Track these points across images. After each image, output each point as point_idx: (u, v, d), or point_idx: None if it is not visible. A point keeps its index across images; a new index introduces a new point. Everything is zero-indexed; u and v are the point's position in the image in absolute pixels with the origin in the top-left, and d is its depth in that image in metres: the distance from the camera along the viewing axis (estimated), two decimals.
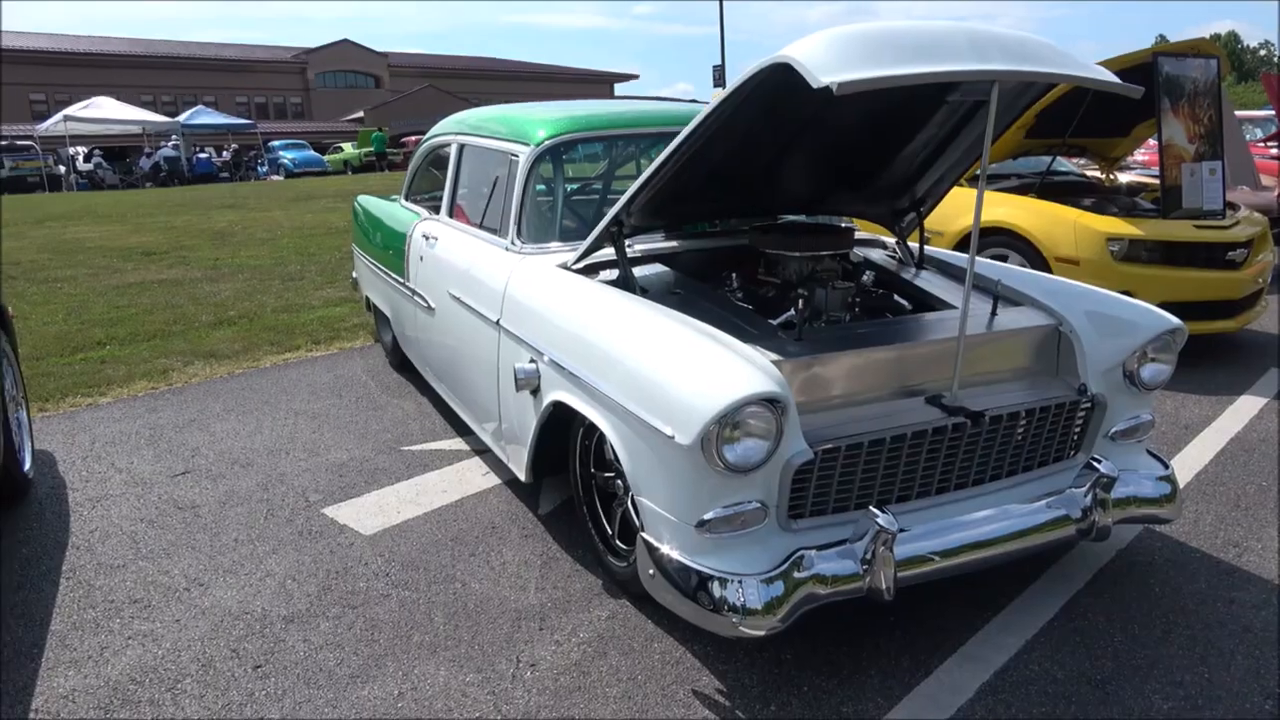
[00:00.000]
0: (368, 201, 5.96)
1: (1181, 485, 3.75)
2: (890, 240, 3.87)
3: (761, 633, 2.40)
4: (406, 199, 5.40)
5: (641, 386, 2.57)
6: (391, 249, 5.04)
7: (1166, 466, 3.09)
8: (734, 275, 3.38)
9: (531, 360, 3.17)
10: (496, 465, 3.91)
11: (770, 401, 2.36)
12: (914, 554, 2.57)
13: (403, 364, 5.34)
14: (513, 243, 3.67)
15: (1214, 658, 2.64)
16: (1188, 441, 4.29)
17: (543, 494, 3.72)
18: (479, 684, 2.55)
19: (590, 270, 3.36)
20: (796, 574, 2.44)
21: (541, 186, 3.91)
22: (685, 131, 2.75)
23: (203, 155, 32.97)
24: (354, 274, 6.23)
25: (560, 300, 3.19)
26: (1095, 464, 2.82)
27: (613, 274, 3.27)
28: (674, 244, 3.61)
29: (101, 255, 10.64)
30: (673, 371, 2.52)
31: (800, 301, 2.80)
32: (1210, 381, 5.16)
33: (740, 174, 3.29)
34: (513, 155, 3.83)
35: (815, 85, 2.26)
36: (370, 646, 2.74)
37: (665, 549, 2.51)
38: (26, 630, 2.86)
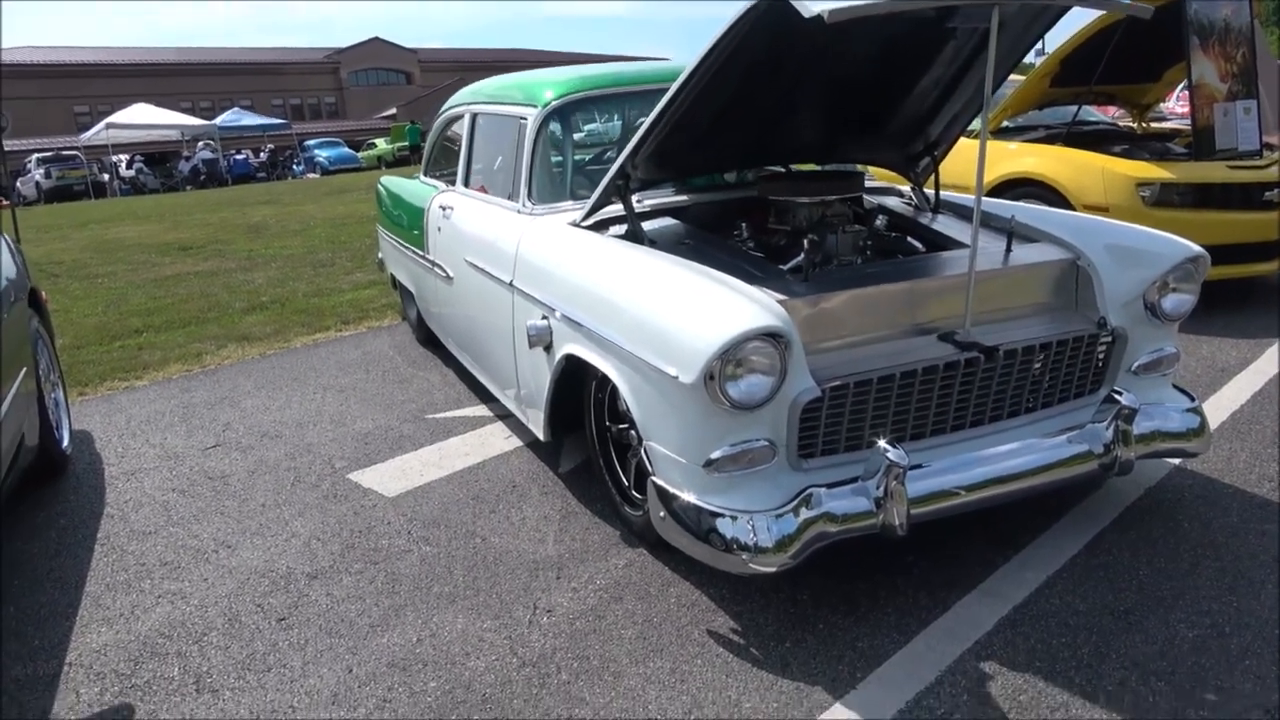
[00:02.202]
0: (389, 181, 6.01)
1: (1216, 425, 3.70)
2: (906, 188, 3.81)
3: (773, 569, 2.39)
4: (425, 174, 5.43)
5: (646, 330, 2.57)
6: (412, 224, 5.08)
7: (1193, 400, 3.01)
8: (744, 225, 3.36)
9: (544, 317, 3.18)
10: (518, 428, 3.93)
11: (773, 337, 2.34)
12: (929, 490, 2.54)
13: (428, 338, 5.39)
14: (524, 205, 3.67)
15: (1243, 587, 2.57)
16: (1224, 383, 4.18)
17: (563, 453, 3.74)
18: (496, 629, 2.58)
19: (600, 226, 3.36)
20: (807, 511, 2.42)
21: (552, 148, 3.91)
22: (682, 77, 2.73)
23: (240, 157, 33.48)
24: (379, 255, 6.29)
25: (569, 255, 3.19)
26: (1116, 396, 2.76)
27: (622, 229, 3.27)
28: (684, 198, 3.59)
29: (140, 251, 10.88)
30: (676, 313, 2.52)
31: (807, 243, 2.77)
32: (1248, 325, 5.01)
33: (746, 123, 3.26)
34: (522, 118, 3.83)
35: (807, 16, 2.23)
36: (391, 598, 2.78)
37: (675, 491, 2.51)
38: (62, 593, 2.95)
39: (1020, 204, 3.53)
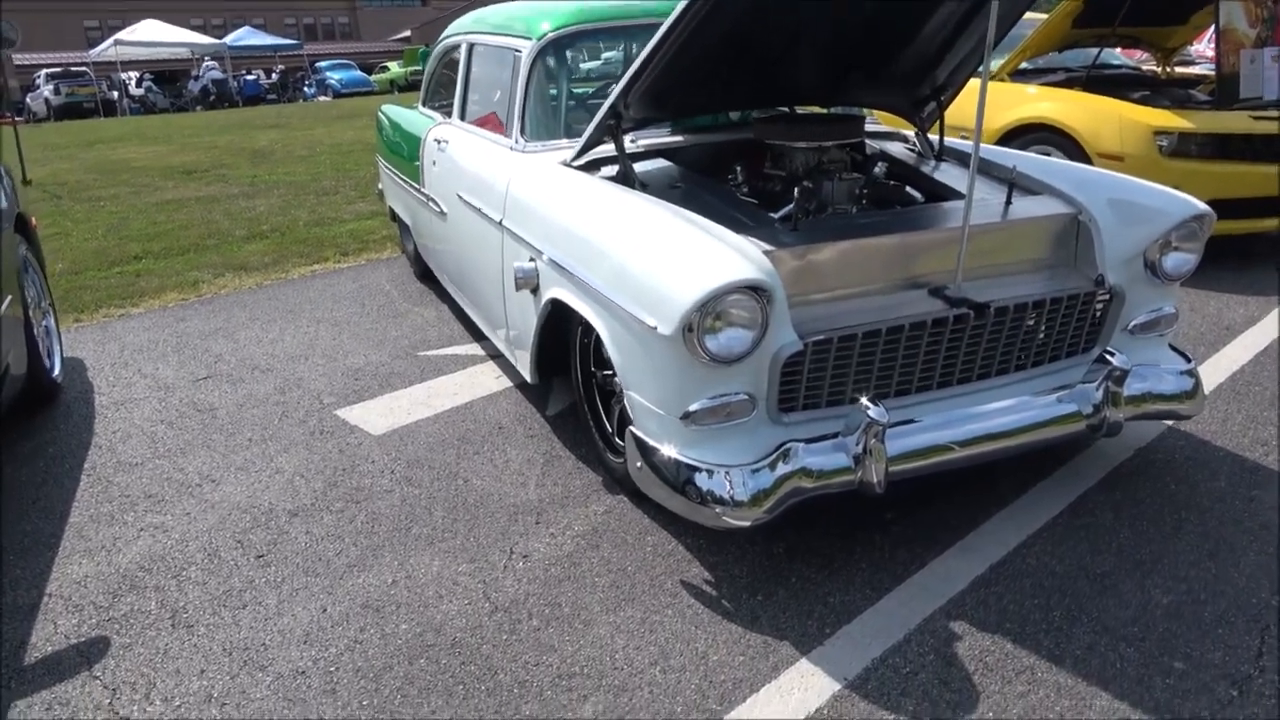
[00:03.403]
0: (389, 110, 5.89)
1: (1215, 385, 3.64)
2: (911, 133, 3.70)
3: (747, 524, 2.38)
4: (424, 105, 5.32)
5: (627, 278, 2.51)
6: (409, 156, 4.98)
7: (1189, 361, 2.95)
8: (739, 169, 3.27)
9: (531, 259, 3.12)
10: (509, 369, 3.91)
11: (754, 290, 2.29)
12: (908, 448, 2.51)
13: (425, 273, 5.34)
14: (516, 142, 3.58)
15: (1224, 553, 2.55)
16: (1227, 342, 4.10)
17: (552, 395, 3.72)
18: (470, 573, 2.59)
19: (592, 167, 3.27)
20: (783, 466, 2.39)
21: (547, 82, 3.80)
22: (678, 10, 2.62)
23: (250, 77, 33.04)
24: (379, 185, 6.21)
25: (557, 197, 3.12)
26: (1108, 357, 2.70)
27: (614, 170, 3.19)
28: (679, 138, 3.50)
29: (144, 174, 10.79)
30: (657, 262, 2.46)
31: (798, 191, 2.69)
32: (1259, 282, 4.91)
33: (746, 61, 3.14)
34: (516, 51, 3.71)
35: None
36: (369, 538, 2.79)
37: (653, 442, 2.49)
38: (46, 522, 2.97)
39: (1025, 154, 3.42)
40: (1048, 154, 5.45)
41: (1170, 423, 3.23)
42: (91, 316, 5.15)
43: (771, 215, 2.90)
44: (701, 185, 3.09)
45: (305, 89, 33.95)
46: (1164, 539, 2.63)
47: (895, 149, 3.60)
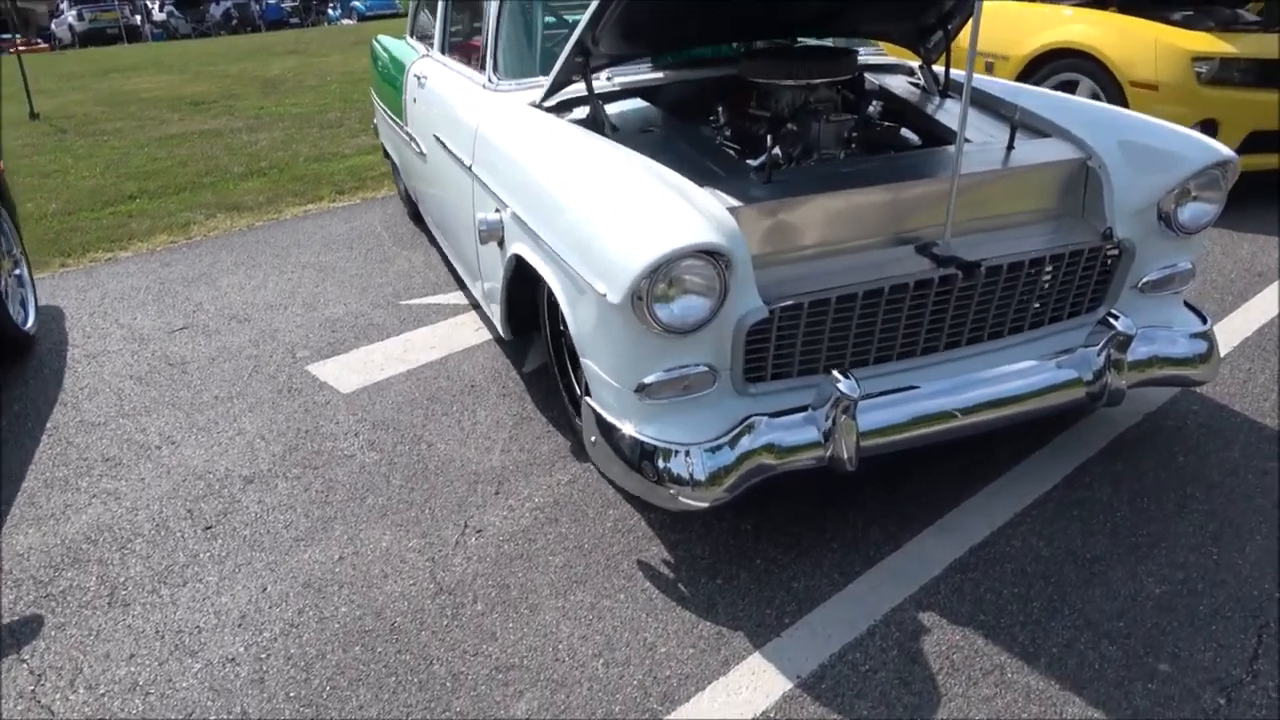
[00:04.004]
0: (383, 41, 5.62)
1: (1240, 340, 3.38)
2: (916, 64, 3.40)
3: (705, 504, 2.21)
4: (410, 36, 5.05)
5: (581, 238, 2.31)
6: (395, 91, 4.76)
7: (1205, 321, 2.70)
8: (720, 110, 3.01)
9: (496, 210, 2.92)
10: (489, 321, 3.74)
11: (711, 254, 2.08)
12: (886, 422, 2.31)
13: (417, 214, 5.15)
14: (489, 79, 3.35)
15: (1228, 536, 2.35)
16: (1257, 291, 3.81)
17: (530, 351, 3.55)
18: (420, 549, 2.47)
19: (564, 108, 3.04)
20: (745, 443, 2.22)
21: (521, 12, 3.52)
22: None
23: (272, 1, 32.43)
24: (375, 120, 5.98)
25: (521, 142, 2.90)
26: (1111, 320, 2.47)
27: (586, 111, 2.95)
28: (660, 75, 3.24)
29: (153, 106, 10.61)
30: (609, 221, 2.25)
31: (770, 139, 2.44)
32: None
33: None
34: None
35: None
36: (322, 509, 2.67)
37: (607, 415, 2.32)
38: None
39: (1035, 89, 3.11)
40: (1075, 83, 5.09)
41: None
42: (78, 261, 5.05)
43: (750, 163, 2.68)
44: (678, 129, 2.85)
45: (329, 11, 33.31)
46: (1165, 518, 2.43)
47: (897, 84, 3.31)
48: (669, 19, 2.91)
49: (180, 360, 3.71)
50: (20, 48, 11.62)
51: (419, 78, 4.20)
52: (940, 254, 2.37)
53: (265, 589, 2.36)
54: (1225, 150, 2.54)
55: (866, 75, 3.35)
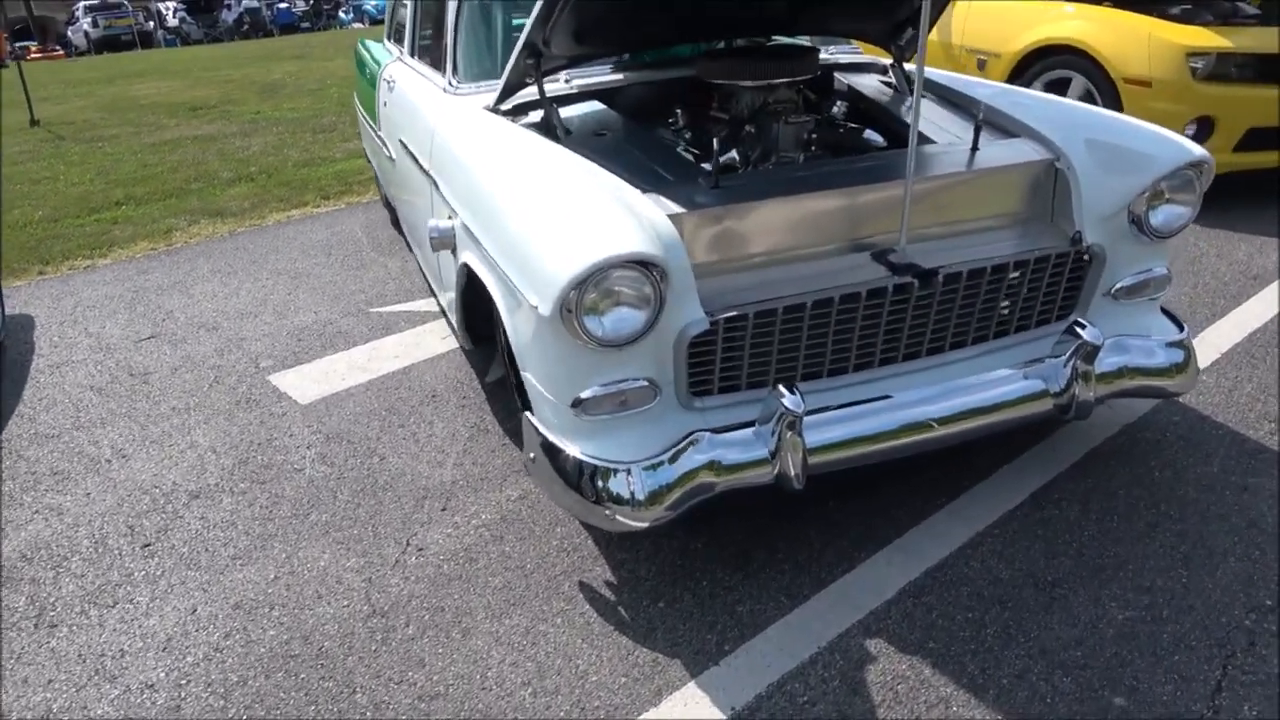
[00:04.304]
0: (366, 44, 5.56)
1: (1231, 345, 3.25)
2: (889, 62, 3.29)
3: (644, 525, 2.12)
4: (387, 39, 4.99)
5: (516, 248, 2.22)
6: (372, 94, 4.69)
7: (1182, 329, 2.58)
8: (679, 113, 2.92)
9: (449, 217, 2.84)
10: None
11: (644, 265, 1.99)
12: (836, 438, 2.21)
13: (398, 220, 5.09)
14: (450, 83, 3.27)
15: (1200, 558, 2.23)
16: (1251, 294, 3.68)
17: (494, 361, 3.47)
18: (358, 569, 2.39)
19: (520, 111, 2.96)
20: (686, 460, 2.12)
21: (481, 12, 3.44)
22: None
23: (283, 5, 32.57)
24: (359, 125, 5.93)
25: (471, 148, 2.81)
26: (1078, 329, 2.35)
27: (540, 115, 2.87)
28: (620, 77, 3.14)
29: (151, 112, 10.61)
30: (543, 231, 2.16)
31: (717, 142, 2.34)
32: None
33: None
34: None
35: None
36: (264, 525, 2.60)
37: (545, 431, 2.23)
38: None
39: (1006, 87, 3.00)
40: (1068, 81, 4.96)
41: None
42: (57, 269, 5.01)
43: (706, 167, 2.59)
44: (633, 133, 2.76)
45: (341, 15, 33.41)
46: (1134, 539, 2.31)
47: (868, 83, 3.20)
48: (623, 19, 2.81)
49: (143, 371, 3.65)
50: (36, 55, 11.67)
51: (389, 81, 4.13)
52: (896, 261, 2.27)
53: (195, 610, 2.28)
54: (1198, 150, 2.42)
55: (837, 75, 3.25)
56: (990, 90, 2.93)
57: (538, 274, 2.07)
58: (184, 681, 2.06)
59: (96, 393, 3.49)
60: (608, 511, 2.11)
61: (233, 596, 2.32)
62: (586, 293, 1.97)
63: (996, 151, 2.54)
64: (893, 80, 3.20)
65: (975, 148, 2.52)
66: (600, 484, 2.12)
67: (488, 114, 2.94)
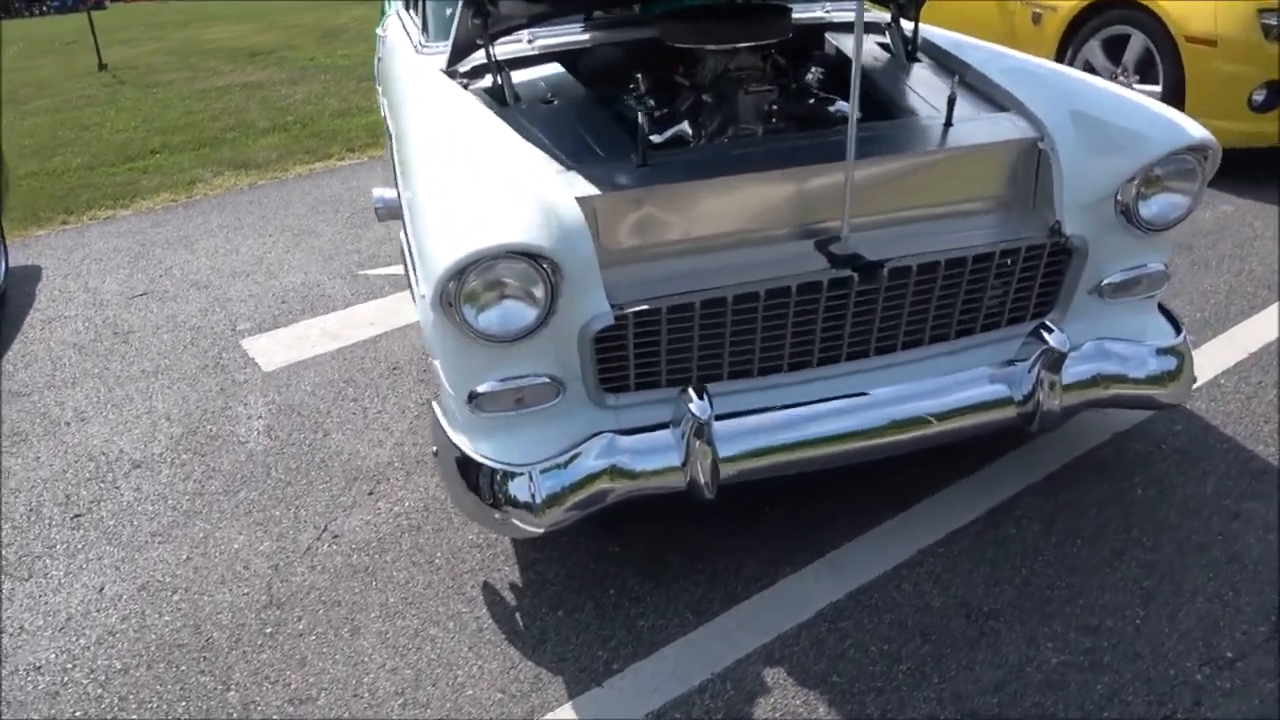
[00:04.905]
0: None
1: (1261, 345, 2.92)
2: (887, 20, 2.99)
3: (540, 530, 1.98)
4: None
5: (417, 227, 2.08)
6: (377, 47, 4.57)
7: (1178, 332, 2.29)
8: (640, 78, 2.71)
9: (394, 187, 2.72)
10: None
11: (533, 256, 1.82)
12: (756, 446, 2.03)
13: None
14: (420, 42, 3.12)
15: (1163, 597, 1.99)
16: None
17: None
18: (269, 554, 2.32)
19: (477, 74, 2.79)
20: (585, 465, 1.97)
21: None
22: None
23: None
24: None
25: (414, 113, 2.67)
26: (1044, 333, 2.10)
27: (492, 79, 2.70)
28: (587, 38, 2.94)
29: (213, 57, 10.74)
30: (438, 212, 2.01)
31: (643, 117, 2.13)
32: None
33: None
34: None
35: None
36: (192, 501, 2.56)
37: (445, 424, 2.11)
38: None
39: (1007, 51, 2.68)
40: (1126, 38, 4.51)
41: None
42: (79, 219, 5.09)
43: (654, 139, 2.40)
44: (583, 101, 2.56)
45: None
46: (1092, 568, 2.08)
47: (866, 46, 2.92)
48: None
49: (126, 329, 3.66)
50: None
51: (382, 35, 4.01)
52: (837, 253, 2.05)
53: (103, 589, 2.26)
54: (1200, 132, 2.11)
55: (829, 36, 2.97)
56: (984, 55, 2.62)
57: (426, 259, 1.92)
58: (70, 666, 2.04)
59: (77, 350, 3.52)
60: (499, 516, 1.98)
61: (142, 576, 2.29)
62: (466, 284, 1.82)
63: (973, 128, 2.26)
64: (888, 41, 2.91)
65: (949, 123, 2.25)
66: (494, 486, 1.99)
67: (440, 77, 2.78)
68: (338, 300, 3.76)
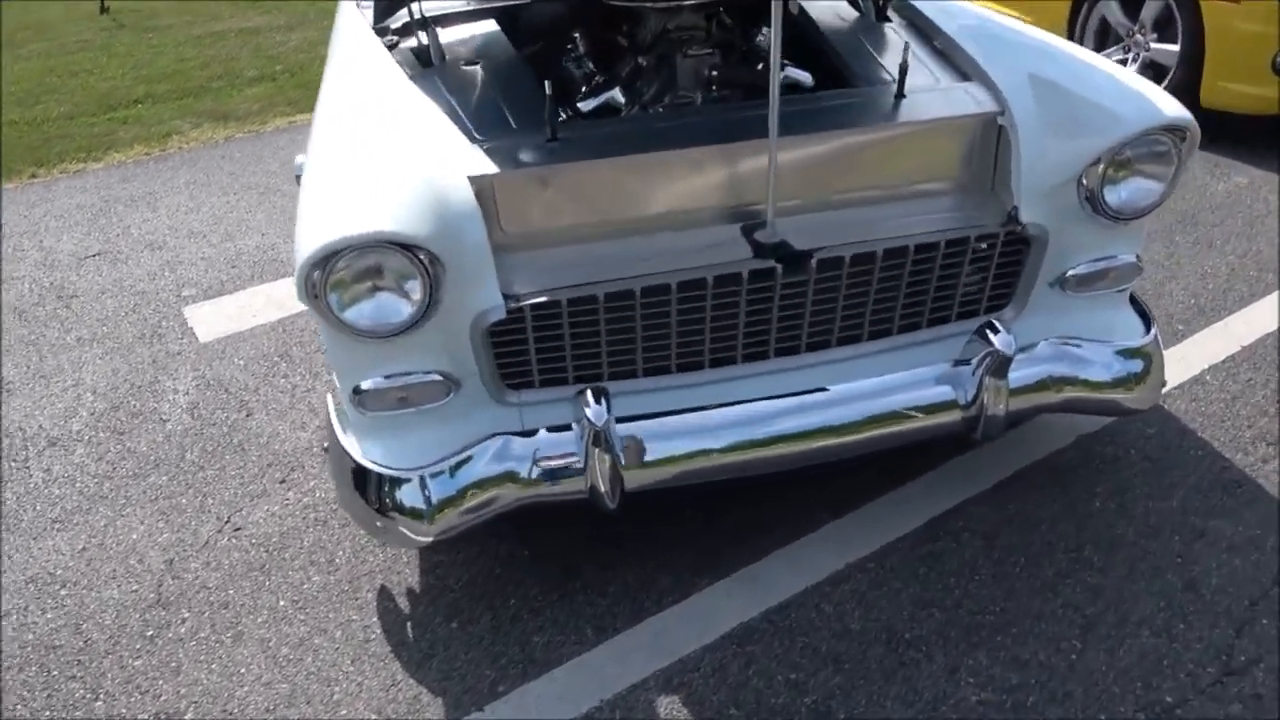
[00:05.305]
0: None
1: (1256, 338, 2.70)
2: None
3: (428, 540, 1.84)
4: None
5: (303, 209, 1.91)
6: None
7: (1148, 330, 2.08)
8: (578, 37, 2.49)
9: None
10: None
11: (407, 247, 1.65)
12: (667, 453, 1.86)
13: None
14: None
15: (1105, 628, 1.81)
16: None
17: None
18: (166, 546, 2.21)
19: (408, 31, 2.58)
20: (475, 470, 1.82)
21: None
22: None
23: None
24: None
25: (333, 73, 2.48)
26: (989, 333, 1.90)
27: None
28: None
29: (214, 0, 10.50)
30: (316, 190, 1.84)
31: (548, 85, 1.92)
32: None
33: None
34: None
35: None
36: (100, 485, 2.45)
37: (335, 420, 1.96)
38: None
39: (979, 10, 2.43)
40: None
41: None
42: (49, 172, 4.96)
43: (583, 107, 2.21)
44: (510, 64, 2.35)
45: None
46: (1032, 592, 1.90)
47: (826, 7, 2.66)
48: None
49: (71, 293, 3.54)
50: None
51: None
52: (762, 241, 1.86)
53: None
54: (1175, 110, 1.87)
55: None
56: (961, 16, 2.37)
57: (295, 242, 1.76)
58: None
59: (18, 316, 3.40)
60: (381, 523, 1.84)
61: (32, 568, 2.18)
62: (333, 274, 1.66)
63: (928, 100, 2.03)
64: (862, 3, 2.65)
65: (900, 95, 2.03)
66: (380, 490, 1.85)
67: (367, 34, 2.57)
68: (289, 266, 3.61)
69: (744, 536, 2.09)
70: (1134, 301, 2.17)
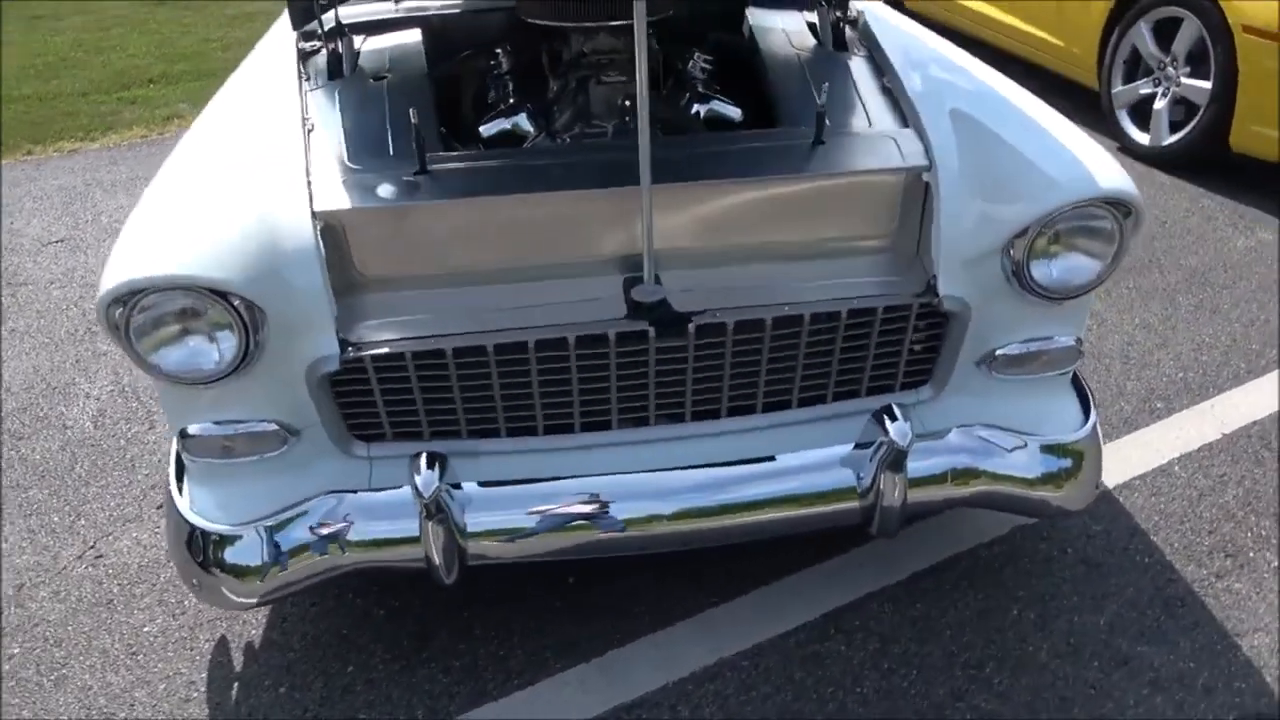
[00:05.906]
0: None
1: (1238, 426, 2.44)
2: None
3: (250, 602, 1.71)
4: None
5: (124, 233, 1.76)
6: None
7: (1087, 417, 1.84)
8: (501, 54, 2.32)
9: None
10: None
11: (219, 292, 1.50)
12: (497, 526, 1.68)
13: None
14: None
15: None
16: None
17: None
18: (20, 570, 2.10)
19: (331, 37, 2.44)
20: (294, 532, 1.67)
21: None
22: None
23: None
24: None
25: (229, 82, 2.37)
26: (885, 419, 1.68)
27: (365, 42, 2.34)
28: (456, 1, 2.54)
29: None
30: (138, 216, 1.69)
31: (414, 113, 1.74)
32: None
33: None
34: None
35: None
36: None
37: (173, 460, 1.82)
38: None
39: (942, 44, 2.19)
40: (1179, 22, 3.85)
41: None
42: (44, 150, 4.95)
43: (485, 130, 2.05)
44: (418, 79, 2.18)
45: None
46: (915, 715, 1.69)
47: (793, 26, 2.44)
48: None
49: (22, 280, 3.48)
50: None
51: None
52: (639, 300, 1.68)
53: None
54: (1117, 181, 1.64)
55: (753, 15, 2.50)
56: (919, 54, 2.14)
57: (102, 273, 1.62)
58: None
59: None
60: (196, 580, 1.70)
61: None
62: (133, 316, 1.51)
63: (848, 149, 1.81)
64: (818, 24, 2.43)
65: (820, 140, 1.81)
66: (201, 545, 1.71)
67: (282, 40, 2.44)
68: None
69: (623, 610, 1.91)
70: (1076, 385, 1.93)
